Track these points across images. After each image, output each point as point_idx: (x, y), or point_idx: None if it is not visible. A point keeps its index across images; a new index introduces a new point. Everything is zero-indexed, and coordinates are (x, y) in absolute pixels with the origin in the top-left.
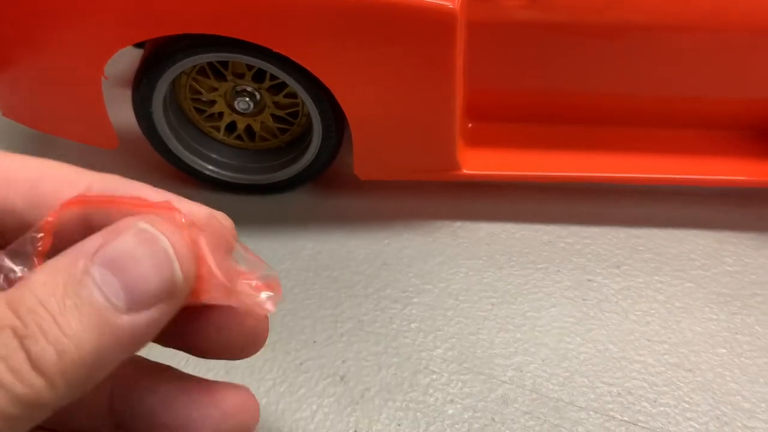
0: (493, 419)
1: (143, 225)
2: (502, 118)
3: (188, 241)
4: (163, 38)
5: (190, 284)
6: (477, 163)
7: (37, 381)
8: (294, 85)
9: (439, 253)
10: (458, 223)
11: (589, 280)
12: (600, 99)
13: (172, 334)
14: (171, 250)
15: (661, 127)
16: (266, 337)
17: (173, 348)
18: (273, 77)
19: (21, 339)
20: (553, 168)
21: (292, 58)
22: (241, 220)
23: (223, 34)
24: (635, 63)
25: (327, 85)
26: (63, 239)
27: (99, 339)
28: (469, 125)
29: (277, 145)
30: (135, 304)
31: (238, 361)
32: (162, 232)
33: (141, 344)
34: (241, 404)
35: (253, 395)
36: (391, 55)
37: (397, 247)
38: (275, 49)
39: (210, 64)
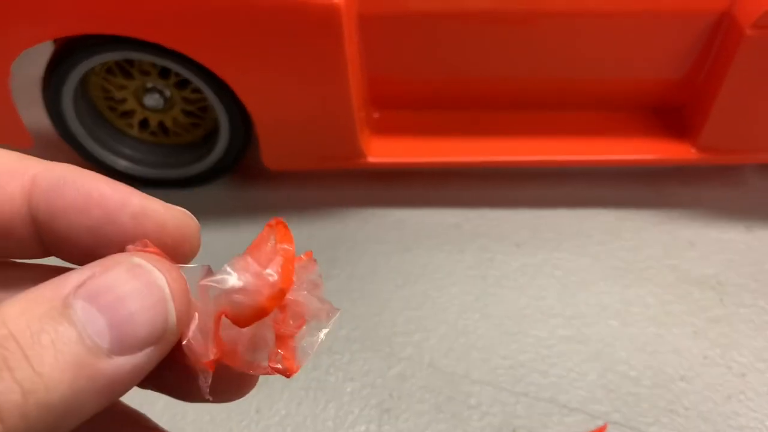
0: (390, 395)
1: (137, 260)
2: (408, 107)
3: (184, 280)
4: (66, 39)
5: (183, 327)
6: (383, 151)
7: None
8: (195, 81)
9: (349, 239)
10: (369, 210)
11: (489, 259)
12: (500, 84)
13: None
14: (167, 289)
15: (562, 110)
16: (254, 384)
17: (148, 389)
18: (178, 74)
19: None
20: (458, 154)
21: (188, 55)
22: None
23: (120, 34)
24: (532, 48)
25: (224, 79)
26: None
27: (74, 382)
28: (375, 115)
29: (191, 139)
30: (120, 347)
31: None
32: (157, 267)
33: (122, 391)
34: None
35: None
36: (282, 49)
37: (308, 234)
38: (170, 47)
39: (117, 62)
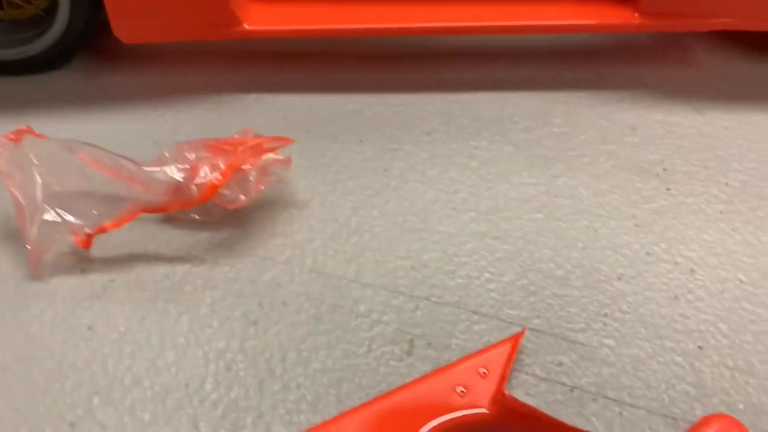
0: (260, 304)
1: None
2: None
3: None
4: None
5: None
6: (263, 17)
7: None
8: None
9: (224, 130)
10: (253, 95)
11: (394, 150)
12: None
13: None
14: None
15: None
16: None
17: None
18: None
19: None
20: (355, 20)
21: None
22: None
23: None
24: None
25: None
26: None
27: None
28: None
29: (35, 13)
30: None
31: None
32: None
33: None
34: None
35: None
36: None
37: (174, 125)
38: None
39: None
